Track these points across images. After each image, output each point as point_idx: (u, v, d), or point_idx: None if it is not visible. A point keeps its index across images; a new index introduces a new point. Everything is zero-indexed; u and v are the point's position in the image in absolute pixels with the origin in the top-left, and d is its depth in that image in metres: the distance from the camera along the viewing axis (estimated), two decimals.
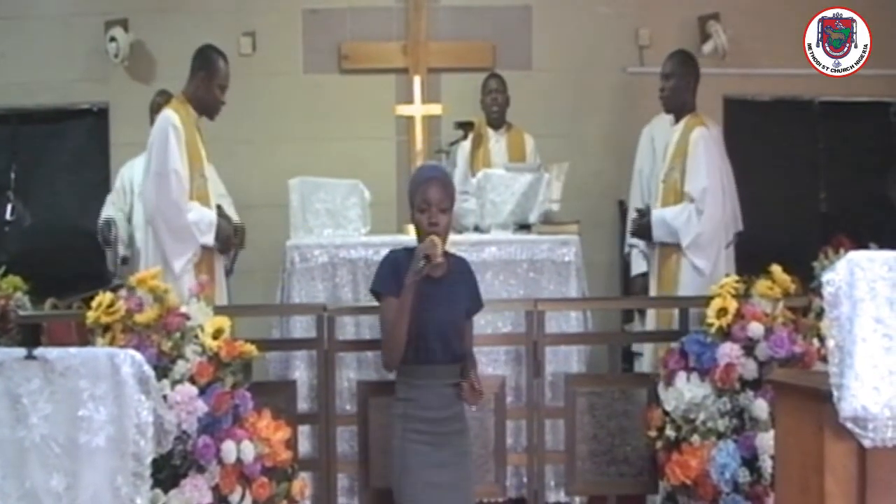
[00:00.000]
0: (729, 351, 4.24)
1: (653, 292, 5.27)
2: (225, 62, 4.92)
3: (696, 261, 4.93)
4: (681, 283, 4.98)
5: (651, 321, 5.19)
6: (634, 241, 5.80)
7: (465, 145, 6.34)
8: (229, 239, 4.94)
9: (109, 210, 6.13)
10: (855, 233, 4.27)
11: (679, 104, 5.16)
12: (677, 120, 5.20)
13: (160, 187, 4.69)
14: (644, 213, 5.23)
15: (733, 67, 6.95)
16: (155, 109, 5.99)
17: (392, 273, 3.72)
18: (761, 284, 4.36)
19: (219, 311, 4.15)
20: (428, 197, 3.72)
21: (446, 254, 3.77)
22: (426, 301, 3.66)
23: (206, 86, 4.86)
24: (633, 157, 6.38)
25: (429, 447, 3.70)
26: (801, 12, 6.37)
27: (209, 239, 4.77)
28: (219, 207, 4.97)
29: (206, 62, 4.89)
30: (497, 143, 6.52)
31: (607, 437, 4.60)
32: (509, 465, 4.63)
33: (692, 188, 4.92)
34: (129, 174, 6.11)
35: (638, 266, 6.11)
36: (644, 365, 5.14)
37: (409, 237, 5.16)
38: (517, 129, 6.56)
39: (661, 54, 5.57)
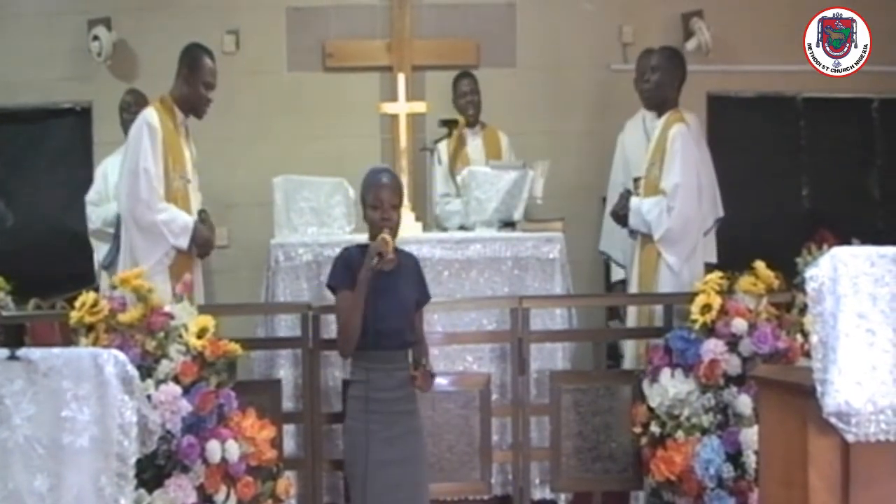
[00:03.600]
0: (713, 347, 4.26)
1: (633, 283, 5.26)
2: (210, 59, 4.90)
3: (666, 256, 4.92)
4: (659, 274, 4.98)
5: (632, 319, 5.18)
6: (606, 249, 6.02)
7: (446, 146, 6.32)
8: (208, 243, 4.88)
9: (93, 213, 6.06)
10: (837, 229, 4.29)
11: (661, 100, 5.16)
12: (659, 116, 5.20)
13: (131, 186, 4.67)
14: (627, 197, 5.24)
15: (717, 64, 6.95)
16: (124, 108, 5.99)
17: (345, 268, 3.92)
18: (745, 280, 4.38)
19: (203, 310, 4.14)
20: (380, 195, 3.94)
21: (395, 249, 3.95)
22: (378, 292, 3.84)
23: (190, 83, 4.83)
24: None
25: (381, 426, 3.85)
26: (785, 9, 6.44)
27: (183, 242, 4.71)
28: (202, 212, 4.94)
29: (189, 60, 4.87)
30: (473, 141, 6.52)
31: (592, 434, 4.61)
32: (494, 463, 4.64)
33: (666, 183, 4.92)
34: (103, 170, 6.08)
35: (617, 274, 6.15)
36: (627, 363, 5.14)
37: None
38: (491, 128, 6.57)
39: None
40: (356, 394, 3.91)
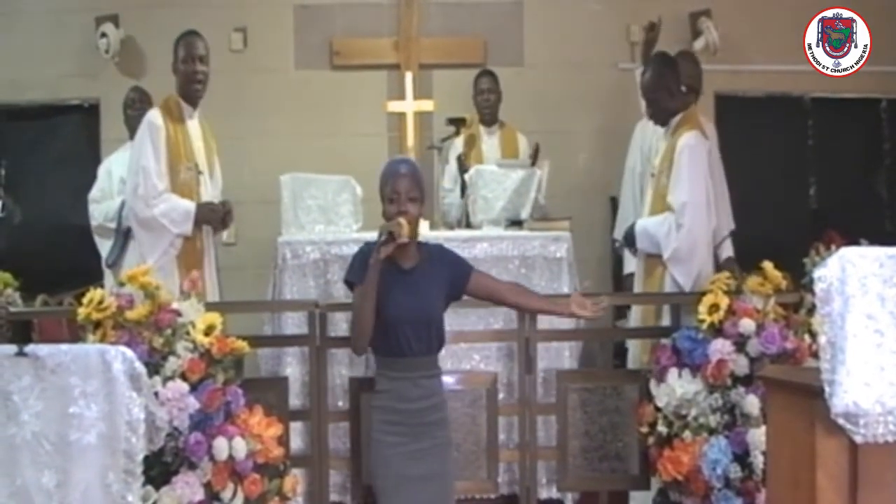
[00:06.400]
0: (720, 347, 4.25)
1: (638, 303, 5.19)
2: (188, 37, 4.98)
3: (676, 275, 4.78)
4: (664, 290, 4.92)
5: (636, 319, 5.14)
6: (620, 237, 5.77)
7: (458, 144, 6.33)
8: (211, 218, 4.96)
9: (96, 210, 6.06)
10: (845, 229, 4.28)
11: (667, 117, 5.01)
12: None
13: (132, 184, 4.91)
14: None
15: (724, 64, 6.95)
16: (129, 105, 6.02)
17: (362, 263, 3.69)
18: (752, 281, 4.37)
19: (210, 307, 4.14)
20: (397, 187, 3.72)
21: (419, 245, 3.80)
22: (396, 293, 3.67)
23: (175, 71, 4.99)
24: (625, 153, 6.36)
25: (406, 438, 3.70)
26: (793, 9, 6.42)
27: (186, 229, 4.85)
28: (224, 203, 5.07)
29: (173, 53, 5.00)
30: (489, 140, 6.51)
31: (599, 434, 4.60)
32: (501, 462, 4.63)
33: (674, 199, 4.78)
34: (107, 167, 6.09)
35: (630, 265, 6.09)
36: (628, 362, 5.12)
37: None
38: (510, 128, 6.55)
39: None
40: (379, 404, 3.76)
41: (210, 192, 5.05)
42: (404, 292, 3.68)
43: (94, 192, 6.02)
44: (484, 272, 4.03)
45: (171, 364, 3.83)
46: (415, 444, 3.70)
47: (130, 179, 4.98)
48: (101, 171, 6.11)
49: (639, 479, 4.61)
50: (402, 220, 3.62)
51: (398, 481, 3.68)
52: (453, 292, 3.86)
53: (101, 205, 5.94)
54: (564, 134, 6.99)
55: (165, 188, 4.84)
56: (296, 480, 4.19)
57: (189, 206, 4.87)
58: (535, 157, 5.77)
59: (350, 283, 3.81)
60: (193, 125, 5.01)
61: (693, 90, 5.56)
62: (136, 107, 5.85)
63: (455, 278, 3.84)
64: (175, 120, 4.92)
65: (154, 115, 4.93)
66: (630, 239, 5.08)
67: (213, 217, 4.96)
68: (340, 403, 4.69)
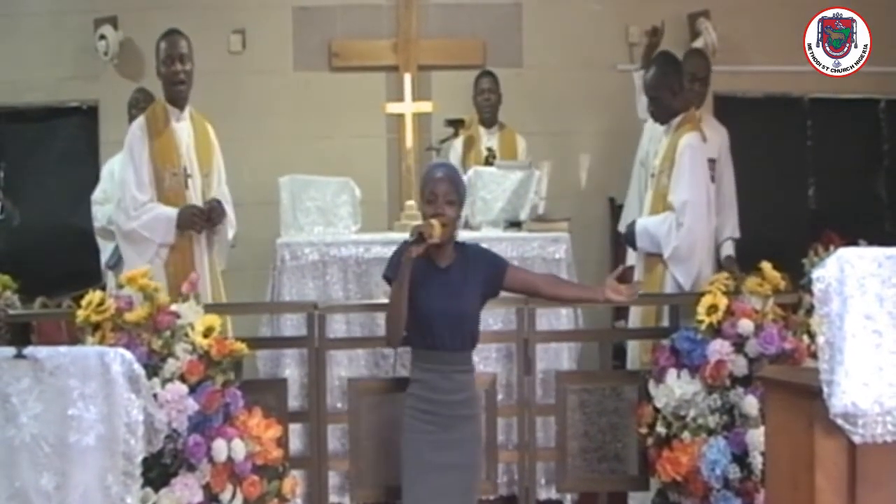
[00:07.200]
0: (719, 348, 4.25)
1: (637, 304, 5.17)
2: (167, 35, 4.90)
3: (676, 274, 4.80)
4: (665, 290, 4.90)
5: (636, 320, 5.14)
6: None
7: (457, 145, 6.33)
8: (193, 221, 4.80)
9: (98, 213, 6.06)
10: (844, 229, 4.28)
11: (668, 116, 5.01)
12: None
13: (117, 197, 4.94)
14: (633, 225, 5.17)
15: (723, 64, 6.93)
16: (133, 105, 6.01)
17: (399, 260, 3.82)
18: (751, 281, 4.37)
19: (209, 309, 4.15)
20: (435, 190, 3.84)
21: (456, 244, 3.92)
22: (431, 290, 3.79)
23: (159, 74, 4.89)
24: (624, 153, 6.36)
25: (434, 427, 3.82)
26: (792, 9, 6.43)
27: (169, 237, 4.77)
28: (213, 201, 4.94)
29: (155, 57, 4.93)
30: (489, 142, 6.51)
31: (598, 434, 4.60)
32: (500, 463, 4.63)
33: (674, 199, 4.78)
34: (110, 168, 6.09)
35: (631, 258, 6.07)
36: (627, 363, 5.11)
37: (401, 235, 5.17)
38: (509, 130, 6.55)
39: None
40: (413, 392, 3.88)
41: (198, 193, 4.90)
42: (439, 290, 3.80)
43: (97, 194, 6.03)
44: (520, 266, 4.21)
45: (170, 366, 3.83)
46: (444, 434, 3.82)
47: (116, 192, 4.99)
48: (105, 172, 6.12)
49: (638, 479, 4.60)
50: (434, 221, 3.74)
51: (423, 467, 3.79)
52: (489, 290, 3.98)
53: (104, 207, 5.94)
54: (564, 135, 7.00)
55: (150, 198, 4.76)
56: (295, 482, 4.19)
57: (171, 213, 4.77)
58: None
59: (388, 279, 3.93)
60: (182, 127, 4.89)
61: (704, 82, 5.77)
62: (140, 107, 5.83)
63: (491, 276, 3.95)
64: (160, 127, 4.81)
65: (136, 126, 4.86)
66: (630, 238, 5.08)
67: (195, 220, 4.81)
68: (339, 405, 4.69)
